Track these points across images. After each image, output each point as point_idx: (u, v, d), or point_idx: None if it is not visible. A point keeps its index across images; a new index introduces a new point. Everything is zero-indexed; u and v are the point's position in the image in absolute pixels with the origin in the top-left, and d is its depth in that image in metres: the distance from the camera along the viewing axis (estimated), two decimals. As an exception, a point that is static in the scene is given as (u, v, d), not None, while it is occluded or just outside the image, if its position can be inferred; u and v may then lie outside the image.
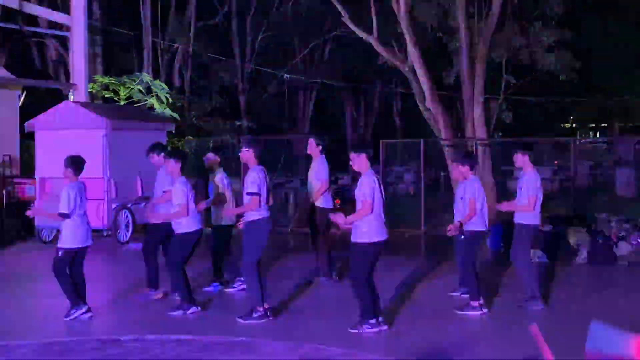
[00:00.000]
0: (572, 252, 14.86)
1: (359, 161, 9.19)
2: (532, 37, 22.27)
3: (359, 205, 8.98)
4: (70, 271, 10.15)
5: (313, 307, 10.95)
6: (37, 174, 18.62)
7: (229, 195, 11.95)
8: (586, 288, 12.61)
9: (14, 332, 9.63)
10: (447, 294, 11.35)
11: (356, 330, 9.03)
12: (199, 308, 10.47)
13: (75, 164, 10.29)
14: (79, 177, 10.35)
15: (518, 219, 10.62)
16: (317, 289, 11.98)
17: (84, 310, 10.07)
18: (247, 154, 10.19)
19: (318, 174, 12.59)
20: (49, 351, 8.83)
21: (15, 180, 20.54)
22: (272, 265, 14.33)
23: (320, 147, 12.71)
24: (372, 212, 8.92)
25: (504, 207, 11.21)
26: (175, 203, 10.34)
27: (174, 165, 10.48)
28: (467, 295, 10.67)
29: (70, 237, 10.05)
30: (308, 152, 12.99)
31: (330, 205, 12.73)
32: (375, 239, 9.05)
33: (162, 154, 11.21)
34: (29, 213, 11.43)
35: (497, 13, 20.92)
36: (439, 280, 12.55)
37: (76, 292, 10.12)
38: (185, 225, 10.40)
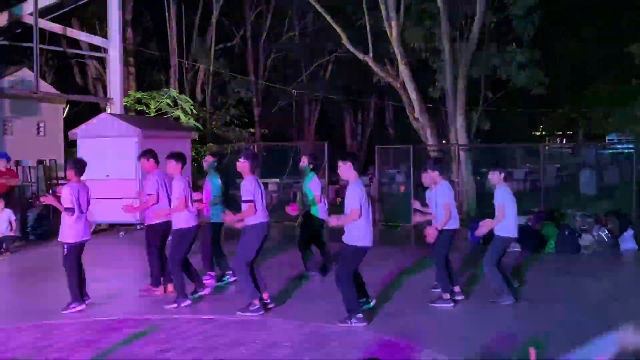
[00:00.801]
0: (542, 243, 14.87)
1: (345, 169, 8.83)
2: (507, 57, 22.27)
3: (347, 212, 8.68)
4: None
5: (315, 293, 10.96)
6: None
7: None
8: (554, 273, 12.59)
9: (55, 312, 9.62)
10: (428, 281, 11.22)
11: (345, 324, 8.71)
12: (191, 301, 10.06)
13: (77, 166, 10.03)
14: (82, 178, 10.10)
15: (496, 230, 10.15)
16: (318, 278, 11.93)
17: (81, 307, 9.75)
18: (243, 165, 9.71)
19: (313, 187, 12.07)
20: (89, 329, 8.84)
21: (60, 181, 20.62)
22: (280, 256, 14.33)
23: (313, 165, 12.29)
24: (360, 218, 8.62)
25: (483, 229, 10.45)
26: (173, 197, 10.08)
27: (175, 165, 10.20)
28: (439, 290, 10.30)
29: (68, 232, 9.72)
30: (300, 164, 12.50)
31: (324, 216, 12.09)
32: (361, 244, 8.74)
33: (152, 159, 10.76)
34: (43, 199, 11.12)
35: (476, 36, 20.96)
36: (425, 270, 12.47)
37: (79, 285, 9.83)
38: (183, 221, 10.08)
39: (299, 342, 8.12)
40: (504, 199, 10.15)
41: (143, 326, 8.95)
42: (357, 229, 8.71)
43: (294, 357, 7.52)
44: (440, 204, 10.16)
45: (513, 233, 10.25)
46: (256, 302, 9.54)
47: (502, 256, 10.36)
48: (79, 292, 9.84)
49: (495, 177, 10.39)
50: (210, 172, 11.90)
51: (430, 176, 10.49)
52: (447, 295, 10.04)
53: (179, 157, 10.30)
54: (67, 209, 9.65)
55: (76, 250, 9.82)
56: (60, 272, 10.07)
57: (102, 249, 15.33)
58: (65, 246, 9.76)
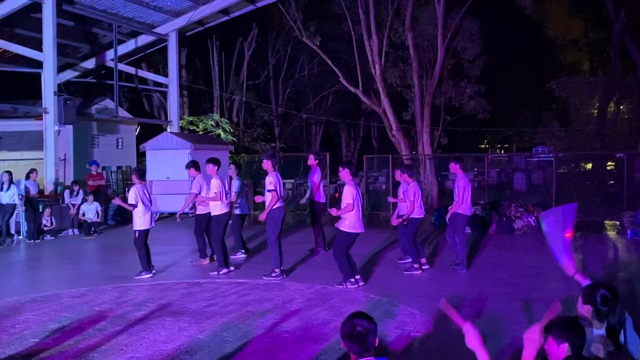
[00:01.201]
0: (485, 226, 14.84)
1: (343, 173, 8.75)
2: (460, 90, 22.26)
3: (343, 205, 8.59)
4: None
5: (321, 263, 10.95)
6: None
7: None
8: (494, 248, 12.57)
9: (129, 278, 9.65)
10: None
11: (341, 286, 8.68)
12: (231, 269, 10.01)
13: (139, 172, 10.06)
14: (144, 181, 10.12)
15: (455, 209, 9.86)
16: (322, 253, 11.90)
17: (148, 275, 9.75)
18: (267, 164, 9.74)
19: (313, 179, 11.89)
20: (155, 289, 8.85)
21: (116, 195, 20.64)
22: (294, 236, 14.33)
23: (317, 161, 12.08)
24: (352, 211, 8.52)
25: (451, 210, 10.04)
26: (212, 192, 9.99)
27: (212, 168, 10.14)
28: (410, 260, 10.23)
29: (138, 222, 9.74)
30: (308, 163, 12.26)
31: (322, 200, 12.04)
32: (353, 230, 8.64)
33: (192, 168, 10.73)
34: (114, 201, 11.11)
35: (437, 75, 20.94)
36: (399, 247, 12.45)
37: (148, 259, 9.86)
38: (219, 209, 10.01)
39: (309, 299, 8.12)
40: (462, 186, 9.86)
41: (194, 287, 8.96)
42: (350, 218, 8.62)
43: (305, 310, 7.52)
44: (408, 199, 10.07)
45: (469, 212, 10.10)
46: (277, 270, 9.54)
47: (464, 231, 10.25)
48: (147, 264, 9.87)
49: (453, 167, 10.12)
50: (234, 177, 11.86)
51: (402, 177, 10.43)
52: (417, 265, 10.03)
53: (214, 161, 10.31)
54: (130, 205, 9.70)
55: (143, 235, 9.83)
56: (132, 249, 10.08)
57: (164, 232, 15.35)
58: (136, 232, 9.82)
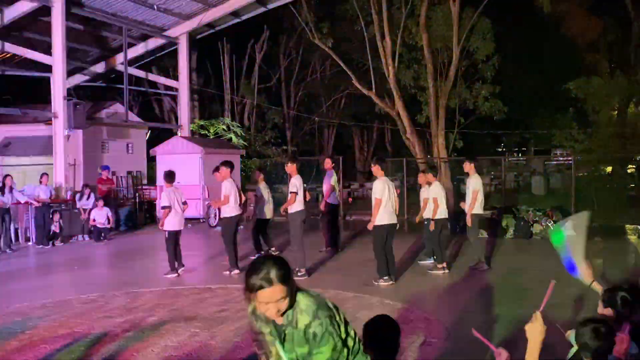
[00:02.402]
0: (504, 231, 14.77)
1: (374, 168, 9.15)
2: (475, 91, 22.19)
3: (373, 202, 8.98)
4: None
5: (336, 267, 10.95)
6: (158, 183, 18.77)
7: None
8: (513, 253, 12.51)
9: (140, 284, 9.70)
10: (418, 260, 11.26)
11: (377, 283, 8.98)
12: (240, 270, 10.16)
13: (168, 176, 10.43)
14: (174, 184, 10.51)
15: (469, 210, 10.07)
16: (336, 256, 11.90)
17: (175, 274, 10.16)
18: (291, 167, 10.12)
19: (325, 182, 12.28)
20: (166, 295, 8.88)
21: (144, 187, 20.76)
22: (309, 239, 14.32)
23: (333, 164, 12.53)
24: (382, 205, 8.88)
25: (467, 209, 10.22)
26: (223, 194, 10.30)
27: (225, 171, 10.45)
28: (432, 261, 10.50)
29: (169, 223, 10.16)
30: (325, 167, 12.58)
31: (335, 202, 12.41)
32: (384, 222, 8.97)
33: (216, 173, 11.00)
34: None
35: (452, 77, 20.90)
36: (417, 250, 12.44)
37: (175, 260, 10.24)
38: (228, 211, 10.36)
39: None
40: (475, 186, 10.07)
41: (205, 293, 8.99)
42: (381, 212, 8.95)
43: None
44: (430, 199, 10.36)
45: (481, 211, 10.33)
46: (303, 270, 9.76)
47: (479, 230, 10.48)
48: (173, 265, 10.24)
49: (467, 166, 10.35)
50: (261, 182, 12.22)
51: (426, 178, 10.72)
52: (440, 266, 10.17)
53: (227, 164, 10.58)
54: (164, 207, 10.18)
55: (173, 236, 10.25)
56: (143, 255, 10.14)
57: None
58: (166, 232, 10.21)
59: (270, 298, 2.46)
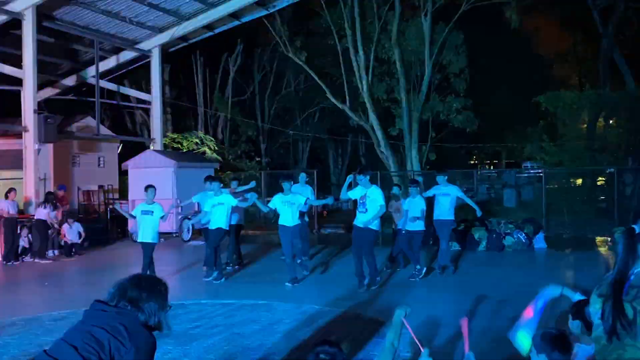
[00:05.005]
0: (476, 243, 14.91)
1: (364, 181, 10.06)
2: (447, 105, 22.43)
3: (377, 209, 9.92)
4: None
5: (311, 281, 10.95)
6: (130, 197, 18.62)
7: None
8: (485, 265, 12.64)
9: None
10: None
11: (374, 287, 9.71)
12: (223, 279, 10.83)
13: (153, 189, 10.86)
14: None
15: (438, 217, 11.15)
16: (317, 273, 11.89)
17: None
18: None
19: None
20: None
21: (115, 200, 20.56)
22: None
23: (308, 179, 12.88)
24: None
25: None
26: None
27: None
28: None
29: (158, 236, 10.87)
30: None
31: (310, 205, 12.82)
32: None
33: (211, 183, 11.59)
34: (115, 207, 12.08)
35: (425, 90, 21.15)
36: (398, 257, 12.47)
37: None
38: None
39: (296, 319, 8.11)
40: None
41: (178, 309, 8.90)
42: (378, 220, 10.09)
43: (293, 331, 7.51)
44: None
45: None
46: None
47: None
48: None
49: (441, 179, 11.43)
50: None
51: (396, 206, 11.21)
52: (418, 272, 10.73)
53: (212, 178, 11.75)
54: (161, 217, 10.57)
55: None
56: (114, 271, 10.05)
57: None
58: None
59: None
